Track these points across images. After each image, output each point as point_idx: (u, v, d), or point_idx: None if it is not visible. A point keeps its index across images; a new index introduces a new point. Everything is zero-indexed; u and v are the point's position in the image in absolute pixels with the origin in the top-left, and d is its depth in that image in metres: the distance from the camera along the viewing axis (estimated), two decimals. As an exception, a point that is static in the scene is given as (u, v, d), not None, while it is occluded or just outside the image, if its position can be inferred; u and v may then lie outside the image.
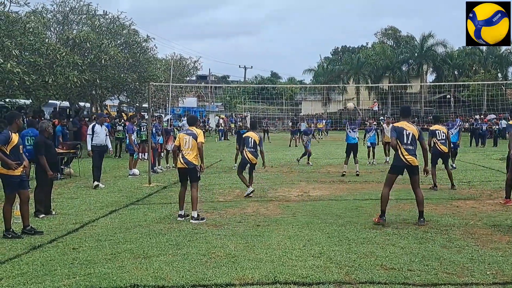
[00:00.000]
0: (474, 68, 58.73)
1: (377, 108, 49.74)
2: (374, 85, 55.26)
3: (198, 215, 8.56)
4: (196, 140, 8.66)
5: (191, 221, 8.43)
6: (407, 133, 8.22)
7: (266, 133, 36.02)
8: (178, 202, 8.92)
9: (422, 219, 8.09)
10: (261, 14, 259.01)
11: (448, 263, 5.98)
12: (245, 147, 11.56)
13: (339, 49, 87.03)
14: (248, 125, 10.14)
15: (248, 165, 11.51)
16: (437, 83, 52.23)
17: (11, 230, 7.53)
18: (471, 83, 44.92)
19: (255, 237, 7.33)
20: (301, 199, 10.99)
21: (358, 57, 62.22)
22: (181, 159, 8.70)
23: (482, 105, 44.32)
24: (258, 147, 11.46)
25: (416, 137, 8.26)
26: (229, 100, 56.34)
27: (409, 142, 8.18)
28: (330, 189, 12.28)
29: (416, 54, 58.44)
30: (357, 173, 15.04)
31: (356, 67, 60.77)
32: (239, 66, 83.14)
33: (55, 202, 10.14)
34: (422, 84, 56.48)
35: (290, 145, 29.83)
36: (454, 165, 16.26)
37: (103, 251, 6.63)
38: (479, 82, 44.68)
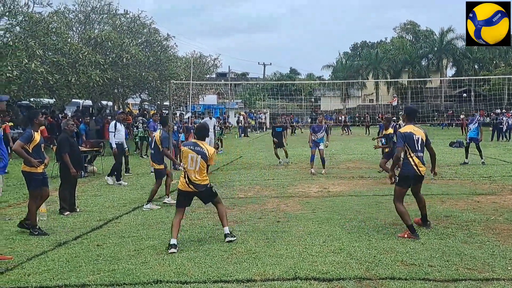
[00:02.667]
0: (494, 62, 57.88)
1: (396, 103, 49.43)
2: (393, 80, 54.85)
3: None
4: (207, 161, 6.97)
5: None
6: (417, 138, 7.24)
7: (284, 130, 35.85)
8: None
9: (428, 223, 7.60)
10: (282, 10, 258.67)
11: (469, 258, 5.97)
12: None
13: (358, 45, 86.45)
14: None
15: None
16: (457, 78, 51.60)
17: (37, 227, 7.71)
18: (491, 77, 44.25)
19: (276, 233, 7.39)
20: (321, 195, 11.02)
21: (376, 52, 61.84)
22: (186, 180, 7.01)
23: (503, 99, 43.67)
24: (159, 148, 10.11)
25: (424, 142, 7.38)
26: (249, 97, 56.46)
27: (419, 149, 7.25)
28: (350, 185, 12.28)
29: (435, 49, 57.92)
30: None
31: (375, 62, 60.40)
32: (258, 63, 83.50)
33: (80, 200, 10.33)
34: (442, 78, 55.86)
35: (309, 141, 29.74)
36: (483, 161, 16.04)
37: (126, 248, 6.76)
38: (499, 76, 44.00)
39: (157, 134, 10.35)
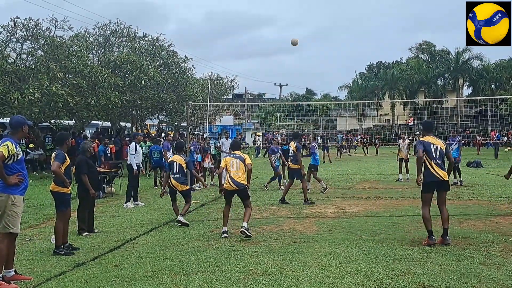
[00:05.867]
0: (511, 81, 57.28)
1: (412, 123, 49.20)
2: (409, 100, 54.64)
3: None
4: (244, 163, 9.18)
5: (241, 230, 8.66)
6: (435, 147, 7.94)
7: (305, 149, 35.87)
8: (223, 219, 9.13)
9: (447, 237, 7.77)
10: (301, 33, 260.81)
11: (488, 280, 5.92)
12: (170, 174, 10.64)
13: (374, 65, 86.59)
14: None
15: (177, 192, 10.67)
16: (473, 97, 51.18)
17: (62, 246, 7.84)
18: (508, 96, 43.77)
19: (292, 254, 7.40)
20: (337, 215, 11.01)
21: (392, 72, 61.87)
22: (229, 180, 9.03)
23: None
24: (185, 171, 10.70)
25: (444, 151, 8.02)
26: (265, 117, 56.72)
27: (437, 156, 7.91)
28: (366, 206, 12.24)
29: (451, 68, 57.66)
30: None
31: (390, 82, 60.38)
32: (275, 83, 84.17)
33: (98, 220, 10.46)
34: (458, 98, 55.47)
35: (324, 161, 29.62)
36: (458, 180, 16.28)
37: (143, 268, 6.81)
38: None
39: (182, 160, 10.58)
